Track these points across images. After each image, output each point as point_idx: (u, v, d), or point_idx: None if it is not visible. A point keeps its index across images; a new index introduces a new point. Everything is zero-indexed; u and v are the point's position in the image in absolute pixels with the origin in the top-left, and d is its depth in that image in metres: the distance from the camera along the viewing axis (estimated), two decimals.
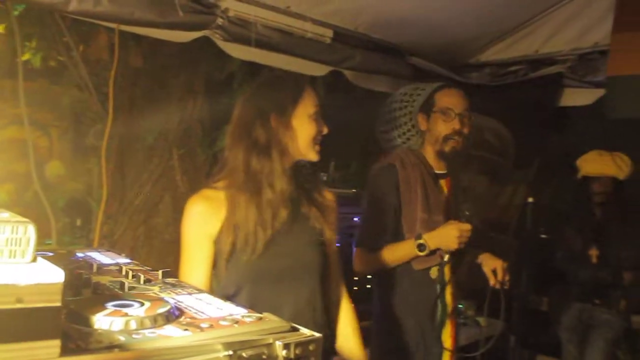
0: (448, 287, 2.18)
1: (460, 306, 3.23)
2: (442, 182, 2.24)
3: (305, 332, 0.84)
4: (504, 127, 3.83)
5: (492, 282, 2.16)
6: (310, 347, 0.82)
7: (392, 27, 3.16)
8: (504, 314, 2.19)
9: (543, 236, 3.74)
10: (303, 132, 1.61)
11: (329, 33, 2.93)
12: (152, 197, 3.05)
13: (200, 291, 1.02)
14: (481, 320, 3.20)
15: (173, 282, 1.09)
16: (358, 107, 3.99)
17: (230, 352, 0.73)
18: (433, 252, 2.10)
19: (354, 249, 2.25)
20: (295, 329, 0.84)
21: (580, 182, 3.54)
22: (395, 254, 2.10)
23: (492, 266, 2.17)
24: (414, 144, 2.27)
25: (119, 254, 1.33)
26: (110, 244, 2.82)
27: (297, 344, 0.80)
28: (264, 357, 0.77)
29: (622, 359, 3.50)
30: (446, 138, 2.18)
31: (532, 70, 3.67)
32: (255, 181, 1.59)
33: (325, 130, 1.65)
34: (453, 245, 2.03)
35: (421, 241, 2.05)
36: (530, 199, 3.58)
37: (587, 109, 3.66)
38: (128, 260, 1.26)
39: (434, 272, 2.15)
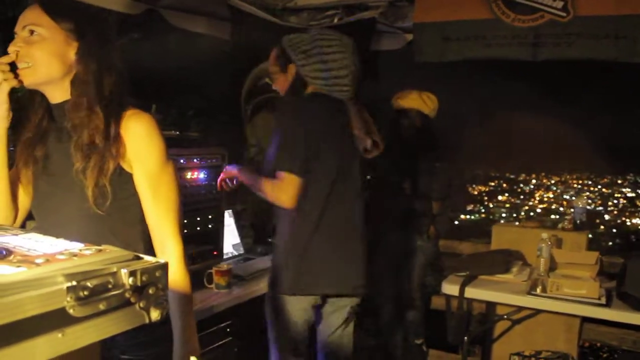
0: None
1: None
2: None
3: (150, 259, 0.82)
4: None
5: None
6: (157, 274, 0.81)
7: None
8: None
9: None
10: None
11: None
12: None
13: (27, 232, 0.95)
14: None
15: None
16: (177, 48, 3.86)
17: (74, 283, 0.70)
18: None
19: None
20: (139, 257, 0.82)
21: (394, 118, 3.77)
22: None
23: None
24: None
25: None
26: None
27: (144, 271, 0.78)
28: (109, 286, 0.75)
29: (432, 283, 3.86)
30: None
31: (347, 15, 3.80)
32: None
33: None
34: None
35: None
36: None
37: (399, 54, 3.90)
38: None
39: None
